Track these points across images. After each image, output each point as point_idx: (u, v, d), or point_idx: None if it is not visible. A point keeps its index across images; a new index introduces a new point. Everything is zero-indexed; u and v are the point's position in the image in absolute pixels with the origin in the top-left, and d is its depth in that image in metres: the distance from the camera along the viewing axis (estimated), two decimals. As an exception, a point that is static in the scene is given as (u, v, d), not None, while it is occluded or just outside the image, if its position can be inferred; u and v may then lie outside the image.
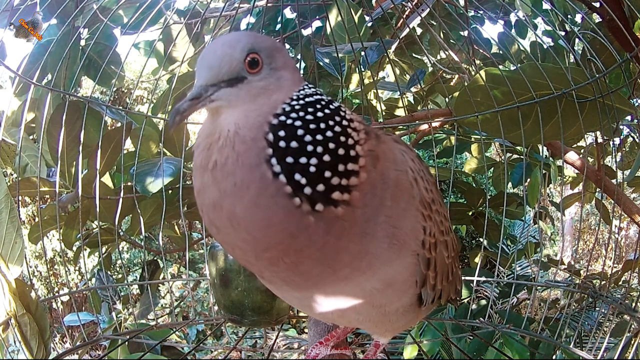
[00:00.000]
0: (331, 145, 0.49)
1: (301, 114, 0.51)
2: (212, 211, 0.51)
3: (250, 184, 0.48)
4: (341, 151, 0.50)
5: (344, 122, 0.52)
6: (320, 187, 0.48)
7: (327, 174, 0.48)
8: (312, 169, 0.48)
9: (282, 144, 0.49)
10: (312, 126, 0.50)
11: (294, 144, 0.49)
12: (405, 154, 0.61)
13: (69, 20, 1.18)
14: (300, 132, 0.49)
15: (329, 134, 0.50)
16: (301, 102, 0.52)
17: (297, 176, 0.48)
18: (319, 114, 0.51)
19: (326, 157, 0.49)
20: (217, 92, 0.51)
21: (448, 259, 0.68)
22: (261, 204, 0.48)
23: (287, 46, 2.02)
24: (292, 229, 0.48)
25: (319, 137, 0.49)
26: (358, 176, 0.50)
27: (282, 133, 0.49)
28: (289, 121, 0.50)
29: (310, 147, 0.49)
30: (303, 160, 0.48)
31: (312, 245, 0.50)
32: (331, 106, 0.54)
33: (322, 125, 0.50)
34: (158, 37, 1.84)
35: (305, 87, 0.56)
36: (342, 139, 0.51)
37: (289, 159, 0.48)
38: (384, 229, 0.54)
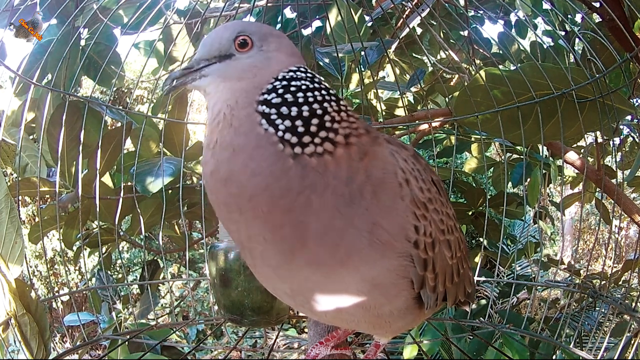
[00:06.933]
0: (305, 108, 0.56)
1: (281, 91, 0.58)
2: (209, 178, 0.58)
3: (246, 145, 0.56)
4: (319, 111, 0.57)
5: (327, 97, 0.58)
6: (298, 136, 0.55)
7: (302, 126, 0.55)
8: (290, 120, 0.56)
9: (267, 110, 0.57)
10: (291, 93, 0.58)
11: (277, 100, 0.57)
12: (397, 154, 0.61)
13: (69, 20, 1.18)
14: (278, 100, 0.57)
15: (309, 96, 0.57)
16: (284, 82, 0.59)
17: (280, 126, 0.55)
18: (300, 92, 0.58)
19: (305, 112, 0.56)
20: (208, 67, 0.60)
21: (452, 259, 0.67)
22: (255, 156, 0.55)
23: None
24: (276, 172, 0.54)
25: (300, 98, 0.57)
26: (335, 146, 0.56)
27: (266, 108, 0.57)
28: (272, 97, 0.57)
29: (291, 105, 0.56)
30: (284, 110, 0.56)
31: (289, 192, 0.54)
32: (316, 85, 0.59)
33: (300, 95, 0.58)
34: (158, 37, 1.84)
35: (299, 70, 0.61)
36: (316, 106, 0.57)
37: (273, 116, 0.56)
38: (363, 221, 0.56)
